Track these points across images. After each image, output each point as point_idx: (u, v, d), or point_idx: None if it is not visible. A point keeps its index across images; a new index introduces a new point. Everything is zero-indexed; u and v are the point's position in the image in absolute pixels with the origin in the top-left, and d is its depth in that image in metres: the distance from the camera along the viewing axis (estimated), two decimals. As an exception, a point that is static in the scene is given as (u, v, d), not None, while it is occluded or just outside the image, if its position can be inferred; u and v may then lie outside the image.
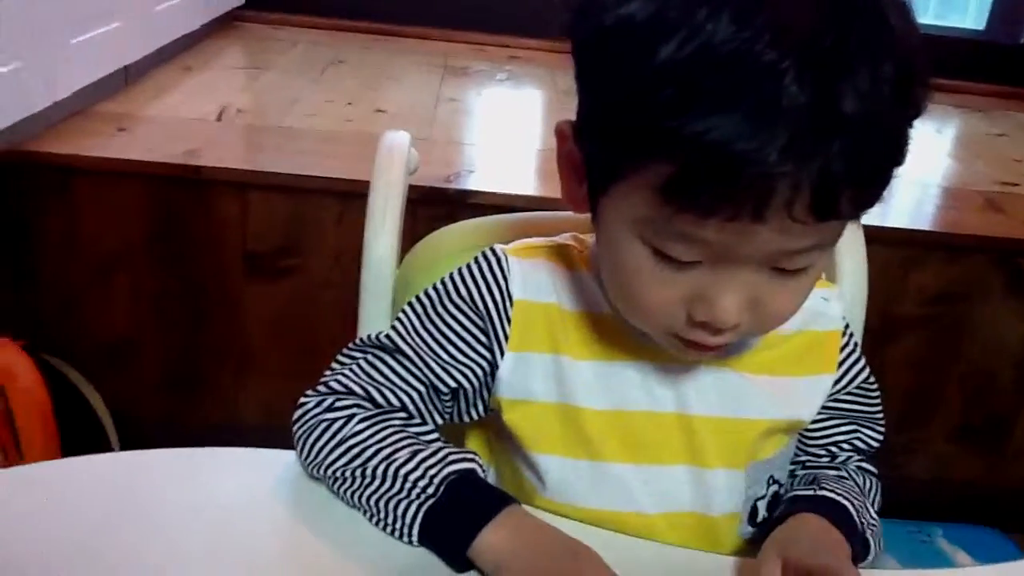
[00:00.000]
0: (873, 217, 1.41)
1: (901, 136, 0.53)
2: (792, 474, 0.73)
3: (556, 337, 0.66)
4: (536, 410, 0.66)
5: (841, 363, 0.70)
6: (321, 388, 0.67)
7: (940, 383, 1.60)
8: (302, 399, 0.67)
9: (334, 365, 0.68)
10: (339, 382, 0.66)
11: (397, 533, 0.60)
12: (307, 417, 0.65)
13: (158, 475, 0.66)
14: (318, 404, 0.66)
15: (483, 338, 0.66)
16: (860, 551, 0.64)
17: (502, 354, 0.66)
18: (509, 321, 0.65)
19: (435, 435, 0.67)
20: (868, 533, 0.65)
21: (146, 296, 1.50)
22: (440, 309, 0.67)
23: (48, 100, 1.41)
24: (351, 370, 0.67)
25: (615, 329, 0.65)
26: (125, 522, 0.60)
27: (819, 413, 0.71)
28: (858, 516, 0.65)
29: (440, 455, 0.62)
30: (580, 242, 0.69)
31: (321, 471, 0.64)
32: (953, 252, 1.52)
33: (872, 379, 0.72)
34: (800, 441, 0.73)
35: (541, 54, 2.33)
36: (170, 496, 0.63)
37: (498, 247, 0.68)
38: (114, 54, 1.67)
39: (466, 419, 0.69)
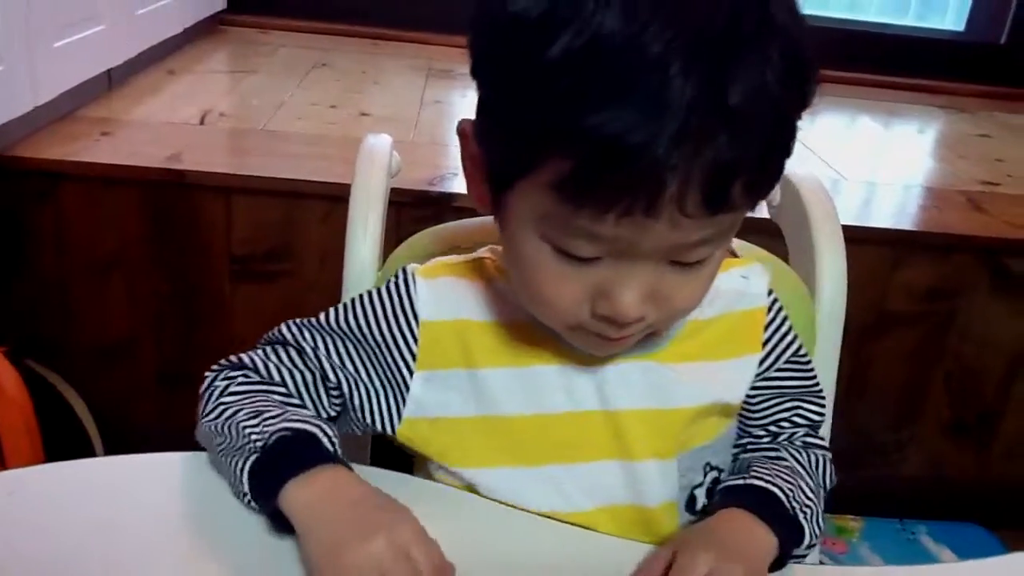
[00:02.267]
0: (858, 217, 1.43)
1: (789, 126, 0.54)
2: (734, 458, 0.73)
3: (470, 351, 0.66)
4: (456, 425, 0.66)
5: (767, 340, 0.71)
6: (228, 360, 0.69)
7: (928, 381, 1.61)
8: (211, 368, 0.69)
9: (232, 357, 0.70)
10: (237, 357, 0.69)
11: (237, 492, 0.62)
12: (203, 391, 0.68)
13: (143, 480, 0.66)
14: (219, 371, 0.68)
15: (372, 368, 0.67)
16: (791, 536, 0.64)
17: (411, 374, 0.66)
18: (416, 342, 0.66)
19: (314, 417, 0.66)
20: (801, 516, 0.65)
21: (135, 300, 1.49)
22: (339, 327, 0.68)
23: (31, 103, 1.40)
24: (253, 350, 0.69)
25: (532, 335, 0.66)
26: (110, 528, 0.60)
27: (756, 394, 0.71)
28: (789, 500, 0.65)
29: (283, 416, 0.62)
30: (496, 253, 0.69)
31: (202, 435, 0.66)
32: (938, 251, 1.53)
33: (803, 351, 0.72)
34: (741, 423, 0.73)
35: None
36: (155, 501, 0.63)
37: (409, 267, 0.68)
38: (97, 57, 1.66)
39: (369, 430, 0.69)
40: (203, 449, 0.67)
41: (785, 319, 0.72)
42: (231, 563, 0.59)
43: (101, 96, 1.70)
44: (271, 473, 0.59)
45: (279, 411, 0.63)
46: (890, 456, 1.62)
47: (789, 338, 0.72)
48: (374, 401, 0.67)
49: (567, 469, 0.66)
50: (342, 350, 0.67)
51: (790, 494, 0.66)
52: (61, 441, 1.36)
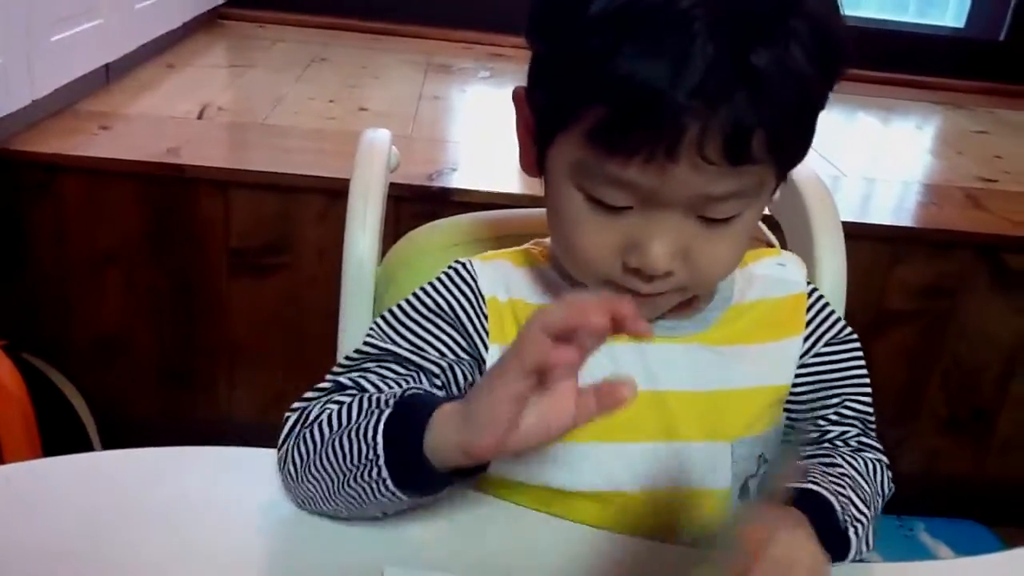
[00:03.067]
0: (855, 213, 1.42)
1: (813, 91, 0.57)
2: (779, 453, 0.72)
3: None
4: None
5: (809, 322, 0.71)
6: (301, 400, 0.66)
7: (926, 378, 1.61)
8: (286, 416, 0.65)
9: (315, 387, 0.67)
10: (322, 386, 0.66)
11: (366, 470, 0.57)
12: (290, 432, 0.64)
13: (140, 474, 0.66)
14: (300, 413, 0.64)
15: (459, 339, 0.67)
16: (837, 551, 0.63)
17: (486, 348, 0.67)
18: (486, 317, 0.68)
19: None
20: (851, 532, 0.64)
21: (133, 294, 1.49)
22: (411, 320, 0.67)
23: (29, 97, 1.40)
24: (337, 378, 0.66)
25: None
26: (107, 523, 0.60)
27: (799, 384, 0.71)
28: (842, 514, 0.64)
29: (401, 390, 0.62)
30: (540, 244, 0.72)
31: (298, 453, 0.61)
32: (937, 248, 1.53)
33: (849, 334, 0.72)
34: (787, 415, 0.73)
35: (524, 52, 2.32)
36: (153, 496, 0.63)
37: (461, 258, 0.70)
38: (95, 51, 1.66)
39: None
40: (197, 442, 0.66)
41: (826, 304, 0.73)
42: (229, 557, 0.59)
43: (99, 90, 1.70)
44: (409, 419, 0.57)
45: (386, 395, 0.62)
46: (888, 452, 1.62)
47: (830, 322, 0.72)
48: (466, 371, 0.67)
49: (613, 448, 0.67)
50: (427, 335, 0.67)
51: (843, 506, 0.65)
52: (59, 435, 1.36)
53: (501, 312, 0.68)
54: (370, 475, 0.58)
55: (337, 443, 0.60)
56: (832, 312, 0.73)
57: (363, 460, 0.58)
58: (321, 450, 0.61)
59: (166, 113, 1.65)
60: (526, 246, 0.73)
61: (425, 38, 2.40)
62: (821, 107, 0.58)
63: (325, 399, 0.65)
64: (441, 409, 0.56)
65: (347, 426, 0.60)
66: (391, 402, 0.60)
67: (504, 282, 0.69)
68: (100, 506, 0.61)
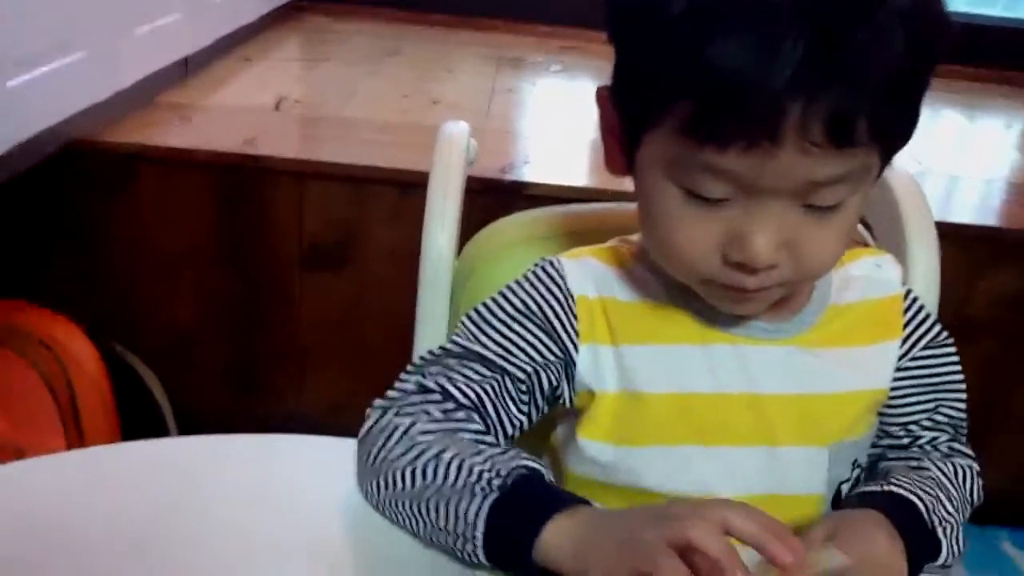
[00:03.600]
0: (937, 212, 1.37)
1: (913, 75, 0.55)
2: (872, 460, 0.71)
3: (615, 328, 0.66)
4: (605, 400, 0.66)
5: (906, 324, 0.69)
6: (384, 399, 0.65)
7: (1012, 387, 1.55)
8: (368, 413, 0.65)
9: (397, 382, 0.66)
10: (404, 387, 0.65)
11: (460, 541, 0.56)
12: (372, 429, 0.63)
13: (220, 460, 0.66)
14: (383, 413, 0.64)
15: (548, 342, 0.66)
16: (928, 552, 0.62)
17: (576, 349, 0.66)
18: (576, 316, 0.66)
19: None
20: (940, 531, 0.63)
21: (208, 287, 1.51)
22: (498, 321, 0.66)
23: (111, 89, 1.43)
24: (420, 375, 0.65)
25: (674, 315, 0.66)
26: (185, 507, 0.60)
27: (896, 387, 0.69)
28: (929, 514, 0.63)
29: (509, 453, 0.60)
30: (627, 242, 0.70)
31: (383, 477, 0.60)
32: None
33: (945, 338, 0.70)
34: (881, 420, 0.71)
35: (595, 45, 2.29)
36: (231, 481, 0.64)
37: (548, 256, 0.69)
38: (175, 44, 1.69)
39: (547, 410, 0.68)
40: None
41: (922, 307, 0.71)
42: (309, 546, 0.59)
43: (178, 82, 1.73)
44: (521, 514, 0.55)
45: (493, 449, 0.60)
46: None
47: (927, 324, 0.70)
48: (552, 375, 0.66)
49: (707, 452, 0.65)
50: (513, 335, 0.66)
51: (930, 506, 0.63)
52: (138, 423, 1.39)
53: (592, 310, 0.66)
54: (463, 547, 0.56)
55: (431, 503, 0.58)
56: (928, 314, 0.70)
57: (459, 534, 0.56)
58: (409, 496, 0.59)
59: (243, 105, 1.67)
60: (612, 244, 0.71)
61: (497, 31, 2.39)
62: (924, 89, 0.56)
63: (413, 408, 0.63)
64: (556, 523, 0.54)
65: (442, 486, 0.58)
66: (496, 482, 0.56)
67: (593, 279, 0.67)
68: (179, 490, 0.62)
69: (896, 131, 0.56)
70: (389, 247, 1.47)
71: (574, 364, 0.66)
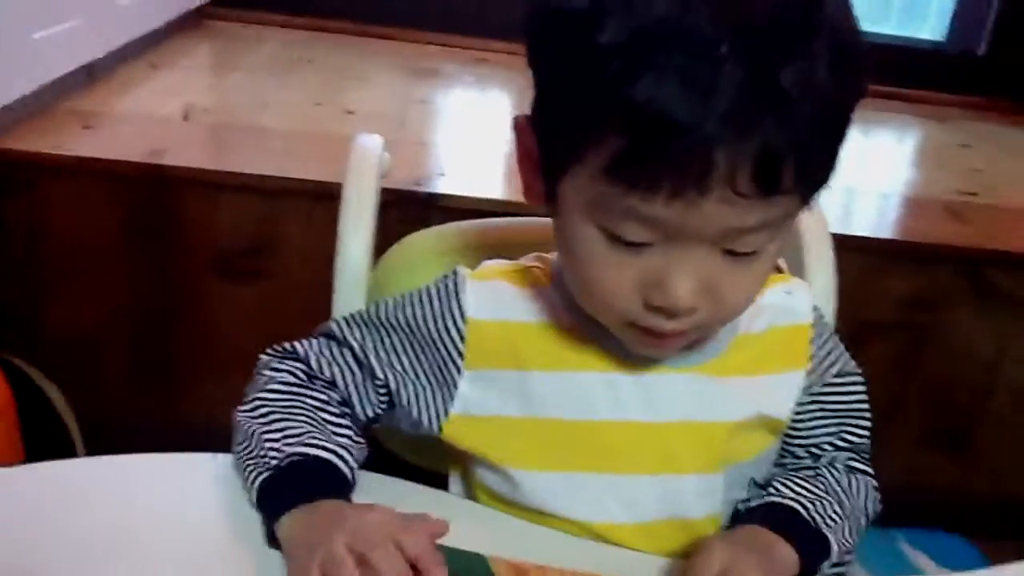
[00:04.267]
0: (837, 225, 1.42)
1: (841, 113, 0.55)
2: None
3: (519, 353, 0.66)
4: (502, 425, 0.66)
5: (813, 355, 0.70)
6: (274, 349, 0.71)
7: (907, 390, 1.62)
8: (259, 356, 0.71)
9: (294, 345, 0.71)
10: (292, 346, 0.70)
11: (249, 499, 0.62)
12: (259, 365, 0.70)
13: (126, 481, 0.65)
14: (272, 357, 0.70)
15: (424, 360, 0.67)
16: (815, 548, 0.64)
17: (459, 372, 0.66)
18: (463, 340, 0.66)
19: (345, 429, 0.66)
20: (825, 528, 0.65)
21: (115, 295, 1.47)
22: (381, 324, 0.68)
23: (10, 96, 1.38)
24: (308, 341, 0.70)
25: (580, 339, 0.66)
26: (90, 529, 0.59)
27: (801, 412, 0.71)
28: (810, 513, 0.65)
29: (305, 434, 0.62)
30: (543, 261, 0.70)
31: (234, 418, 0.67)
32: (918, 261, 1.54)
33: (854, 367, 0.72)
34: (784, 442, 0.72)
35: (510, 57, 2.32)
36: (138, 503, 0.63)
37: (461, 269, 0.69)
38: (78, 50, 1.64)
39: (415, 428, 0.69)
40: (177, 446, 0.66)
41: (831, 336, 0.71)
42: (220, 563, 0.58)
43: (82, 89, 1.68)
44: (275, 499, 0.60)
45: (303, 427, 0.63)
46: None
47: (836, 354, 0.71)
48: (422, 398, 0.67)
49: (607, 479, 0.66)
50: (390, 345, 0.68)
51: (810, 507, 0.65)
52: (41, 437, 1.34)
53: (486, 335, 0.66)
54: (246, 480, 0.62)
55: (240, 462, 0.64)
56: (835, 345, 0.71)
57: (250, 499, 0.62)
58: (236, 448, 0.65)
59: (149, 113, 1.64)
60: (527, 262, 0.70)
61: (410, 41, 2.39)
62: (846, 128, 0.56)
63: (284, 365, 0.69)
64: (291, 516, 0.58)
65: (248, 447, 0.63)
66: (273, 461, 0.61)
67: (498, 302, 0.67)
68: (85, 512, 0.61)
69: (820, 175, 0.56)
70: (303, 257, 1.46)
71: (455, 386, 0.66)
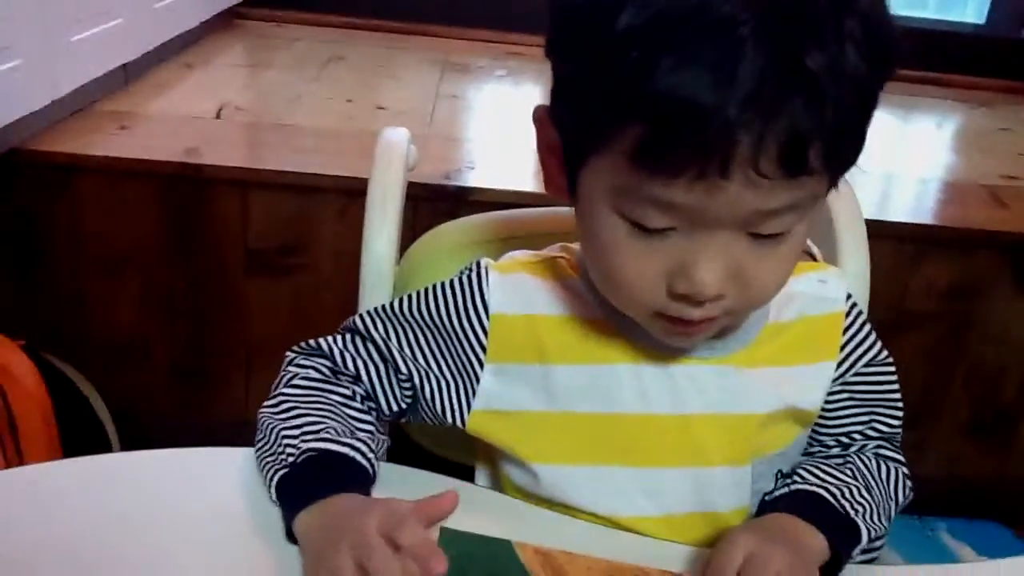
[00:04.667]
0: (875, 211, 1.40)
1: (869, 94, 0.53)
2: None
3: (543, 347, 0.66)
4: (526, 419, 0.66)
5: (844, 345, 0.69)
6: (300, 345, 0.71)
7: (949, 379, 1.59)
8: (291, 349, 0.71)
9: (323, 342, 0.71)
10: (317, 343, 0.70)
11: (268, 493, 0.62)
12: (284, 363, 0.70)
13: (160, 475, 0.66)
14: (293, 358, 0.70)
15: (448, 355, 0.67)
16: (845, 536, 0.63)
17: (481, 367, 0.66)
18: (486, 334, 0.66)
19: (367, 425, 0.66)
20: (853, 514, 0.64)
21: (151, 294, 1.49)
22: (404, 318, 0.68)
23: (49, 97, 1.41)
24: (333, 337, 0.70)
25: (606, 332, 0.65)
26: (126, 523, 0.60)
27: (831, 401, 0.70)
28: (837, 500, 0.64)
29: (323, 429, 0.62)
30: (568, 251, 0.69)
31: (258, 415, 0.67)
32: (959, 247, 1.51)
33: (885, 356, 0.70)
34: (812, 431, 0.71)
35: (540, 50, 2.31)
36: (171, 497, 0.63)
37: (484, 261, 0.68)
38: (114, 51, 1.66)
39: (440, 422, 0.69)
40: (214, 443, 0.67)
41: (864, 324, 0.70)
42: (245, 561, 0.59)
43: (118, 90, 1.71)
44: (291, 496, 0.60)
45: (324, 423, 0.63)
46: (908, 453, 1.60)
47: (868, 343, 0.70)
48: (444, 393, 0.67)
49: (635, 473, 0.65)
50: (413, 340, 0.68)
51: (837, 493, 0.64)
52: (77, 433, 1.37)
53: (509, 329, 0.66)
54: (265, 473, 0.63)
55: (258, 458, 0.64)
56: (869, 333, 0.70)
57: (267, 487, 0.62)
58: (259, 434, 0.65)
59: (184, 113, 1.65)
60: (552, 252, 0.70)
61: (442, 37, 2.40)
62: (874, 108, 0.55)
63: (308, 361, 0.69)
64: (308, 512, 0.58)
65: (267, 444, 0.64)
66: (290, 458, 0.61)
67: (522, 296, 0.67)
68: (120, 507, 0.61)
69: (847, 156, 0.55)
70: (334, 253, 1.47)
71: (477, 380, 0.66)
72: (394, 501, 0.58)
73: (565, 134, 0.59)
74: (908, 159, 1.93)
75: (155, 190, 1.44)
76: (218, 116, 1.65)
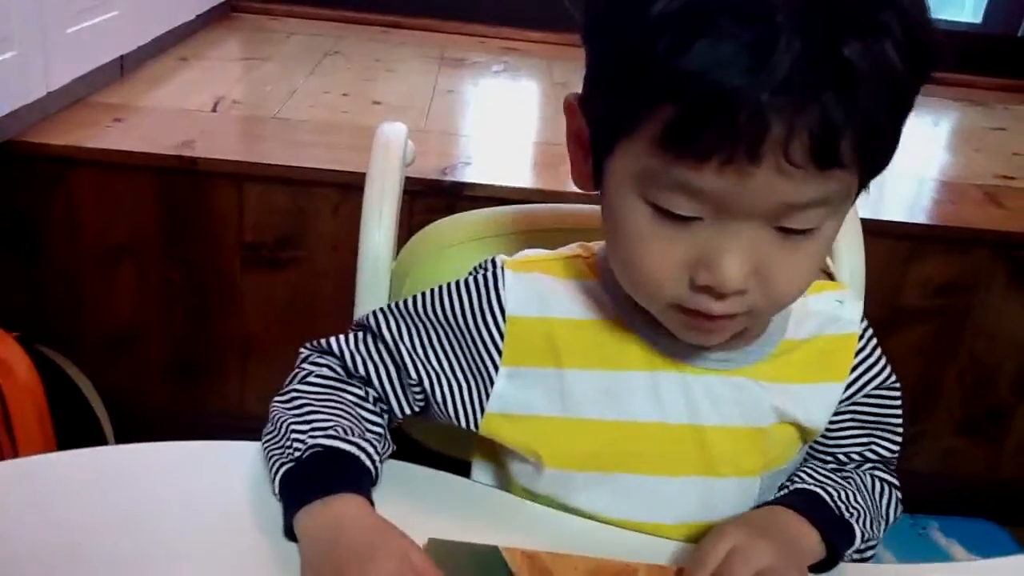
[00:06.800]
0: (870, 210, 1.40)
1: (905, 93, 0.52)
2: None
3: (558, 350, 0.65)
4: (539, 424, 0.65)
5: (855, 368, 0.68)
6: (313, 343, 0.70)
7: (942, 376, 1.60)
8: (300, 350, 0.70)
9: (333, 343, 0.70)
10: (327, 342, 0.69)
11: (272, 488, 0.62)
12: (298, 360, 0.70)
13: (154, 468, 0.65)
14: (310, 352, 0.70)
15: (462, 357, 0.66)
16: (839, 535, 0.63)
17: (496, 369, 0.65)
18: (502, 337, 0.65)
19: (377, 427, 0.66)
20: (850, 516, 0.64)
21: (146, 287, 1.49)
22: (418, 318, 0.67)
23: (44, 89, 1.40)
24: (345, 336, 0.69)
25: (623, 335, 0.64)
26: (121, 516, 0.60)
27: (834, 421, 0.70)
28: (834, 500, 0.64)
29: (330, 428, 0.62)
30: (587, 250, 0.68)
31: (270, 409, 0.66)
32: (953, 245, 1.51)
33: (893, 381, 0.70)
34: (811, 447, 0.71)
35: (538, 46, 2.32)
36: (166, 490, 0.63)
37: (499, 259, 0.67)
38: (110, 44, 1.66)
39: (451, 424, 0.68)
40: (210, 435, 0.67)
41: (875, 348, 0.70)
42: (241, 554, 0.59)
43: (114, 82, 1.70)
44: (293, 491, 0.60)
45: (333, 420, 0.63)
46: (902, 451, 1.61)
47: (877, 369, 0.69)
48: (457, 395, 0.66)
49: (645, 480, 0.65)
50: (427, 340, 0.66)
51: (834, 493, 0.65)
52: (72, 427, 1.37)
53: (525, 331, 0.65)
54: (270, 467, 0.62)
55: (265, 452, 0.64)
56: (879, 359, 0.70)
57: (272, 480, 0.62)
58: (266, 437, 0.65)
59: (180, 106, 1.65)
60: (571, 251, 0.69)
61: (438, 31, 2.39)
62: (910, 109, 0.54)
63: (322, 359, 0.68)
64: (308, 511, 0.58)
65: (274, 439, 0.63)
66: (296, 453, 0.61)
67: (538, 297, 0.65)
68: (114, 500, 0.61)
69: (880, 153, 0.54)
70: (330, 247, 1.47)
71: (491, 383, 0.65)
72: (403, 544, 0.57)
73: (595, 121, 0.58)
74: (903, 158, 1.92)
75: (150, 183, 1.43)
76: (214, 109, 1.65)
